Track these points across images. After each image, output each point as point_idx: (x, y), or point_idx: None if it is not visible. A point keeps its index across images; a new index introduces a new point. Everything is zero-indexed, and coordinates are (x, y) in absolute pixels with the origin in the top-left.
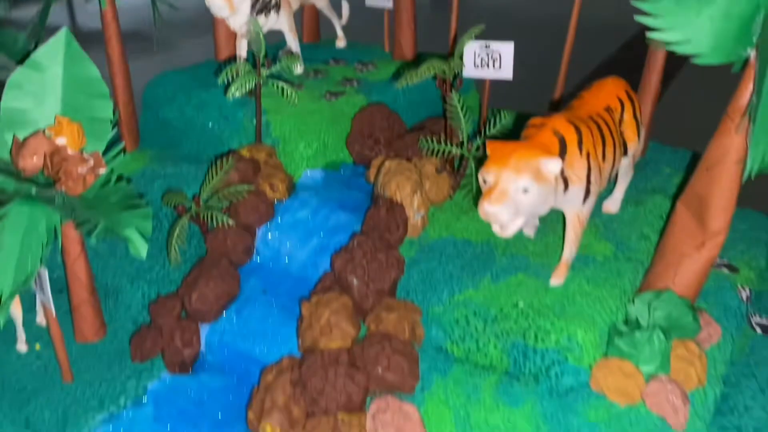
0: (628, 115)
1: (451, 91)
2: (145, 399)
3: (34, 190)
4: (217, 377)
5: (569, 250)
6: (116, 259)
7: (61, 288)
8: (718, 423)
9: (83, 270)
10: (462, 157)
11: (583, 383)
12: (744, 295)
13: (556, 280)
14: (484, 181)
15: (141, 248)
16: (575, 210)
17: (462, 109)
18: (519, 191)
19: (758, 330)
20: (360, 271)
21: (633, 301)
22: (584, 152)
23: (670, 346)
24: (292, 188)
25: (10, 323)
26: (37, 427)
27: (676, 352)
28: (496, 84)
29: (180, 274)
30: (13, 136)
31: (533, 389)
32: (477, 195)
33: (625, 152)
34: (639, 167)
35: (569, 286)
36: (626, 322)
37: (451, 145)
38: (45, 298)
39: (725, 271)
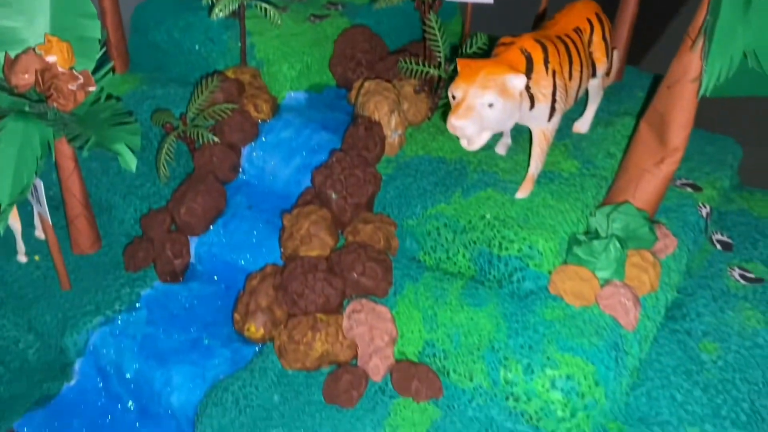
0: (597, 37)
1: (429, 12)
2: (138, 305)
3: (27, 106)
4: (205, 285)
5: (535, 165)
6: (109, 176)
7: (58, 205)
8: (670, 327)
9: (77, 185)
10: (440, 78)
11: (543, 287)
12: (704, 211)
13: (522, 193)
14: (453, 97)
15: (130, 161)
16: (541, 127)
17: (439, 30)
18: (485, 106)
19: (718, 246)
20: (338, 186)
21: (594, 214)
22: (550, 70)
23: (626, 255)
24: (276, 109)
25: (10, 237)
26: (39, 329)
27: (632, 260)
28: (481, 10)
29: (170, 190)
30: (5, 53)
31: (496, 293)
32: (448, 112)
33: (594, 73)
34: (614, 91)
35: (534, 199)
36: (587, 232)
37: (429, 66)
38: (41, 208)
39: (689, 190)
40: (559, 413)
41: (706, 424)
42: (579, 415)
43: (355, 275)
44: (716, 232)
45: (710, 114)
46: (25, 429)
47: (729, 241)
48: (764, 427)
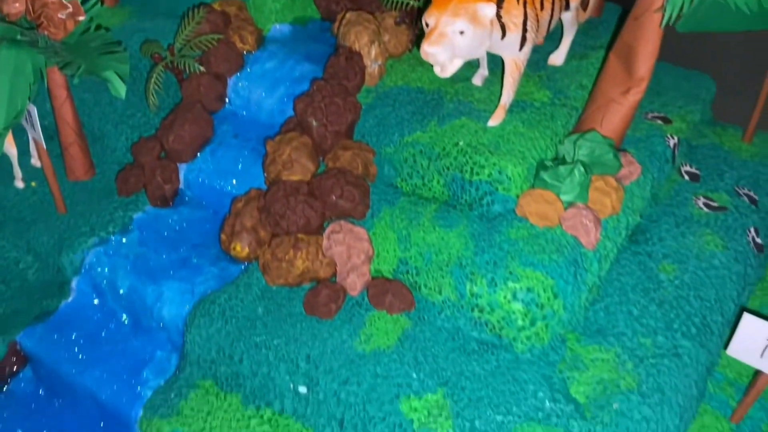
0: None
1: None
2: (131, 227)
3: (18, 34)
4: (194, 210)
5: (507, 94)
6: (101, 107)
7: (52, 135)
8: (633, 249)
9: (70, 113)
10: (420, 10)
11: (510, 210)
12: (671, 142)
13: (494, 121)
14: (426, 25)
15: (120, 89)
16: (513, 56)
17: None
18: (456, 33)
19: (686, 177)
20: (319, 114)
21: (563, 142)
22: (521, 0)
23: (590, 180)
24: (261, 41)
25: (7, 163)
26: (37, 250)
27: (595, 185)
28: None
29: (159, 120)
30: None
31: (466, 215)
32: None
33: (568, 6)
34: (592, 26)
35: (506, 127)
36: (554, 159)
37: None
38: (36, 133)
39: (659, 122)
40: (520, 322)
41: (659, 336)
42: (538, 324)
43: (334, 198)
44: (685, 164)
45: (690, 52)
46: (27, 341)
47: (697, 172)
48: (713, 339)
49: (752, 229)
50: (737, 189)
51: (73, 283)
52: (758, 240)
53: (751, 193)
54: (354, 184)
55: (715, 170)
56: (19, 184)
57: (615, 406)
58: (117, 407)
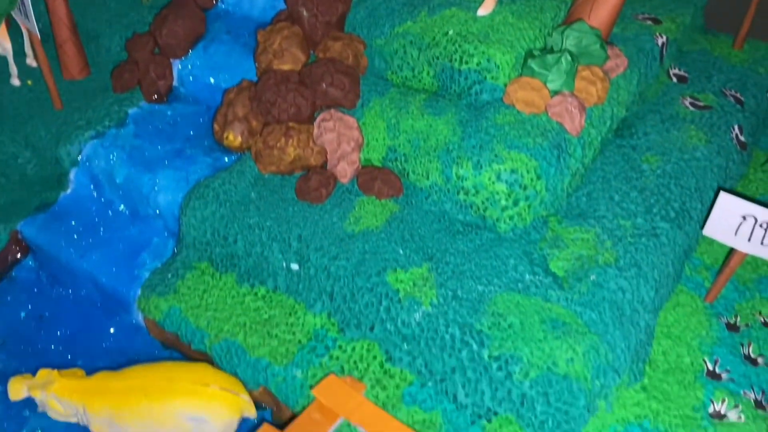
0: None
1: None
2: (126, 121)
3: None
4: (188, 105)
5: None
6: (94, 6)
7: (47, 38)
8: (618, 143)
9: (63, 8)
10: None
11: (498, 99)
12: (660, 41)
13: (483, 10)
14: None
15: None
16: None
17: None
18: None
19: (674, 79)
20: (310, 4)
21: (551, 34)
22: None
23: (576, 68)
24: None
25: (2, 62)
26: (35, 144)
27: (582, 74)
28: None
29: (152, 18)
30: None
31: (455, 103)
32: None
33: None
34: None
35: (495, 17)
36: (543, 50)
37: None
38: (30, 24)
39: (649, 23)
40: (503, 202)
41: (638, 219)
42: (521, 204)
43: (324, 86)
44: (674, 67)
45: None
46: (28, 230)
47: (685, 74)
48: (692, 224)
49: (736, 127)
50: (724, 90)
51: (71, 175)
52: (742, 138)
53: (738, 95)
54: (344, 73)
55: (703, 73)
56: (15, 81)
57: (592, 277)
58: (116, 289)
